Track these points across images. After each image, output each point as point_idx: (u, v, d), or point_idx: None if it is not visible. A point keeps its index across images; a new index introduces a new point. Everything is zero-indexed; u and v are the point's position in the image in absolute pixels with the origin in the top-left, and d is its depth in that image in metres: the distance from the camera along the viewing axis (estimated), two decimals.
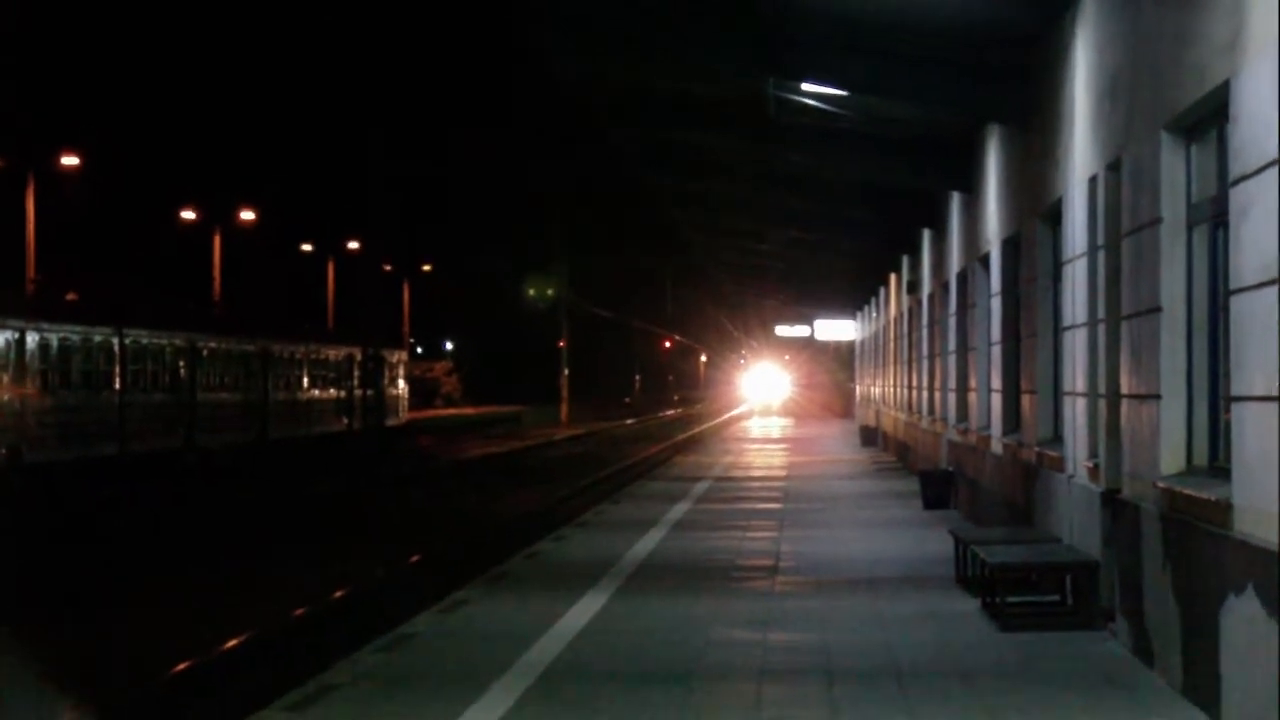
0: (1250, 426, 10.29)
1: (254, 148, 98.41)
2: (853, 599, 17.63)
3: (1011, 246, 21.69)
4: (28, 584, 24.62)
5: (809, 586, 18.78)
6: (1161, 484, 12.49)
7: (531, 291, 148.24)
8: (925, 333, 34.77)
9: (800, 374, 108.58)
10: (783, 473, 41.57)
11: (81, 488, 40.79)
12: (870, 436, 55.07)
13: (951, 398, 29.13)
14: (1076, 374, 16.42)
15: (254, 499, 39.59)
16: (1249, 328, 10.31)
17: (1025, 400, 20.13)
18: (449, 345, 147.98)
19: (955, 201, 28.10)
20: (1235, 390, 10.66)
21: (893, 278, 44.19)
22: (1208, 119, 11.81)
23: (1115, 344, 14.52)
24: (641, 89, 28.72)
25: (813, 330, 72.10)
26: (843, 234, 40.49)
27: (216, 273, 70.86)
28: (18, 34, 78.99)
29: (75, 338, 42.92)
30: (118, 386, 45.16)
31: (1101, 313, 15.15)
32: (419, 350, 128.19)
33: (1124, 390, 14.02)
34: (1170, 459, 12.59)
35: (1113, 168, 14.59)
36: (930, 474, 29.73)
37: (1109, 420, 14.77)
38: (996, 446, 22.62)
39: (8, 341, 39.30)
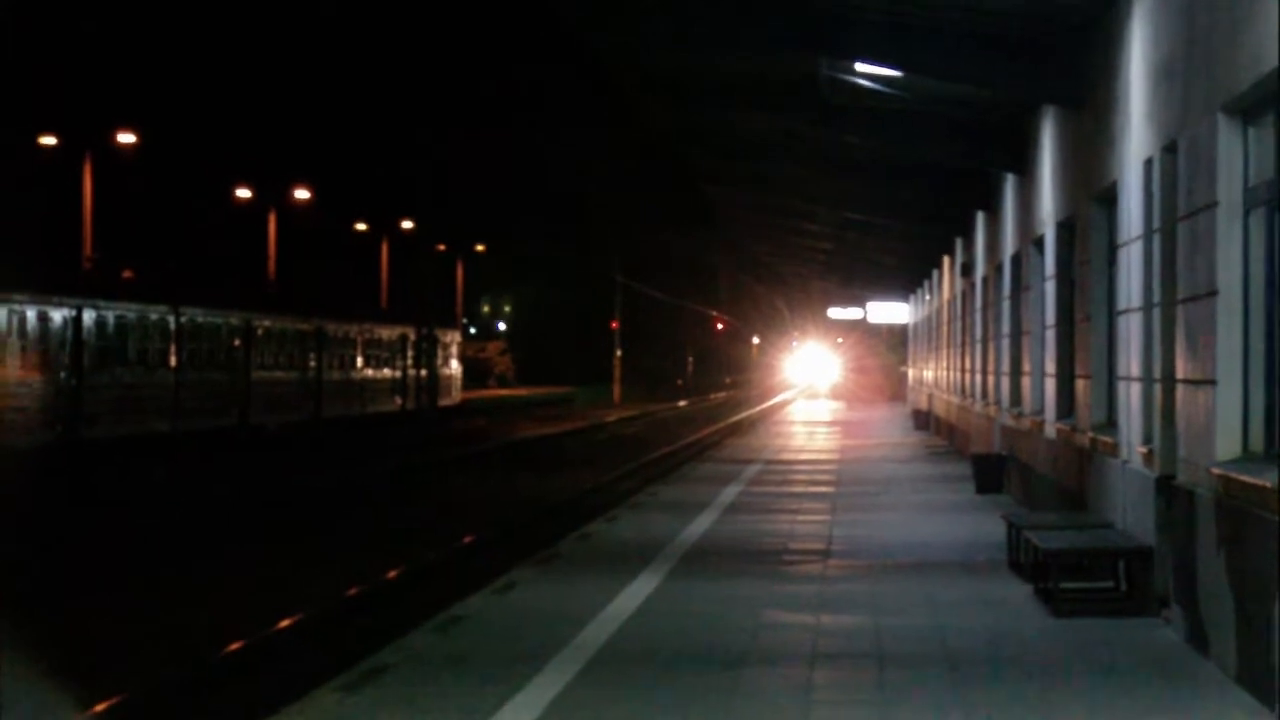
0: None
1: (309, 127, 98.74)
2: (905, 583, 17.59)
3: (1066, 229, 21.59)
4: (79, 561, 24.79)
5: (861, 570, 18.75)
6: (1217, 470, 12.42)
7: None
8: (979, 316, 34.64)
9: (850, 357, 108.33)
10: (834, 456, 41.51)
11: (136, 464, 41.05)
12: (922, 420, 54.93)
13: (1005, 381, 29.03)
14: (1131, 358, 16.33)
15: (308, 477, 39.76)
16: None
17: (1079, 385, 20.03)
18: (502, 326, 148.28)
19: (1009, 183, 27.97)
20: None
21: (946, 260, 44.04)
22: (1265, 101, 11.72)
23: (1171, 328, 14.43)
24: (693, 71, 28.68)
25: (865, 313, 71.92)
26: (896, 216, 40.38)
27: (271, 251, 71.16)
28: (75, 13, 79.43)
29: (131, 316, 43.20)
30: (173, 364, 45.42)
31: (1157, 297, 15.06)
32: (472, 330, 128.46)
33: (1179, 375, 13.94)
34: (1226, 444, 12.51)
35: (1169, 150, 14.50)
36: (983, 458, 29.63)
37: (1164, 405, 14.69)
38: (1050, 431, 22.53)
39: (65, 319, 39.57)
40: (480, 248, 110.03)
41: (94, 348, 40.87)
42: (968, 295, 37.49)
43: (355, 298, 76.22)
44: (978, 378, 34.95)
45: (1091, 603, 15.88)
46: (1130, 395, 16.35)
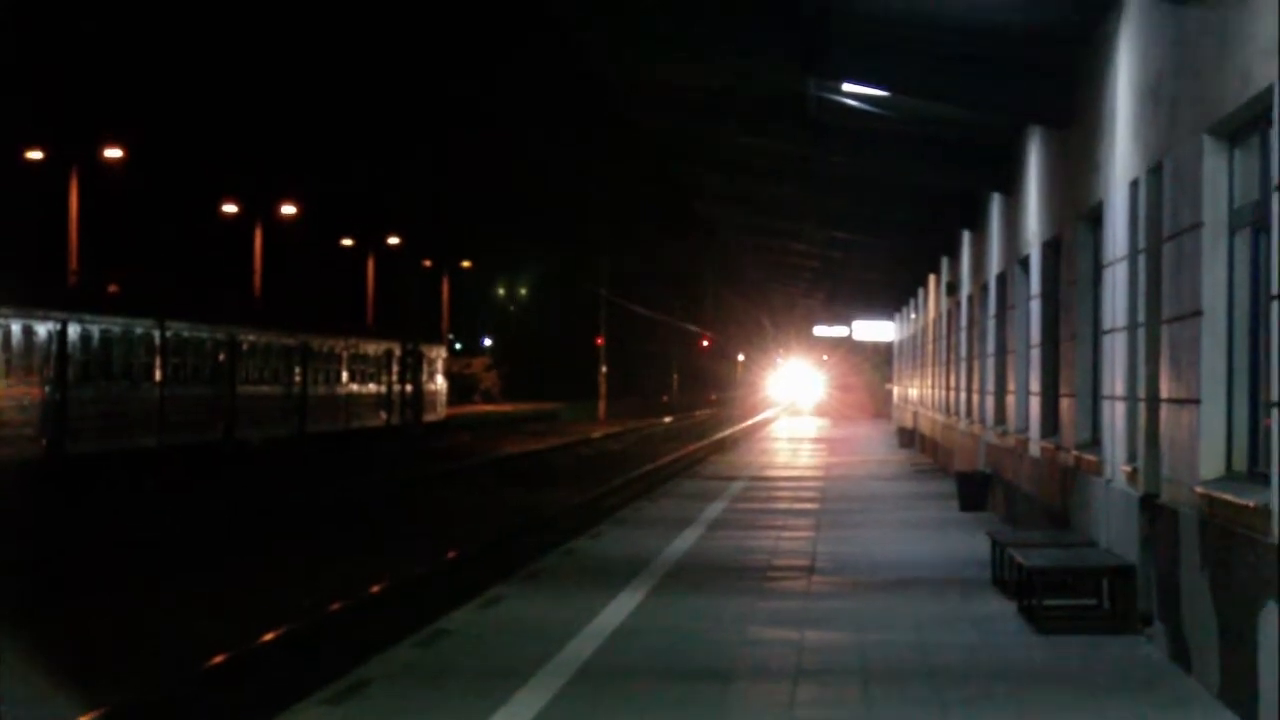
0: None
1: (295, 142, 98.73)
2: (889, 600, 17.62)
3: (1052, 249, 21.66)
4: (64, 575, 24.75)
5: (845, 587, 18.78)
6: (1200, 489, 12.47)
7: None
8: (964, 334, 34.71)
9: (835, 374, 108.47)
10: (819, 473, 41.55)
11: (122, 479, 40.99)
12: (907, 438, 54.99)
13: (990, 400, 29.08)
14: (1116, 378, 16.39)
15: (293, 492, 39.74)
16: None
17: (1064, 403, 20.09)
18: (488, 341, 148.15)
19: (995, 203, 28.06)
20: (1275, 396, 10.63)
21: (932, 279, 44.12)
22: (1251, 123, 11.79)
23: (1155, 348, 14.49)
24: (682, 87, 28.75)
25: (851, 331, 72.02)
26: (882, 234, 40.45)
27: (257, 266, 71.12)
28: (63, 27, 79.39)
29: (116, 330, 43.13)
30: (158, 379, 45.37)
31: (1142, 316, 15.12)
32: (458, 346, 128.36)
33: (1163, 394, 13.99)
34: (1209, 464, 12.56)
35: (1154, 171, 14.56)
36: (967, 476, 29.68)
37: (1148, 424, 14.75)
38: (1034, 449, 22.59)
39: (50, 333, 39.51)
40: (466, 264, 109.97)
41: (79, 362, 40.80)
42: (953, 314, 37.56)
43: (341, 313, 76.19)
44: (963, 396, 35.01)
45: (1075, 620, 15.93)
46: (1114, 414, 16.41)
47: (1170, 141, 13.81)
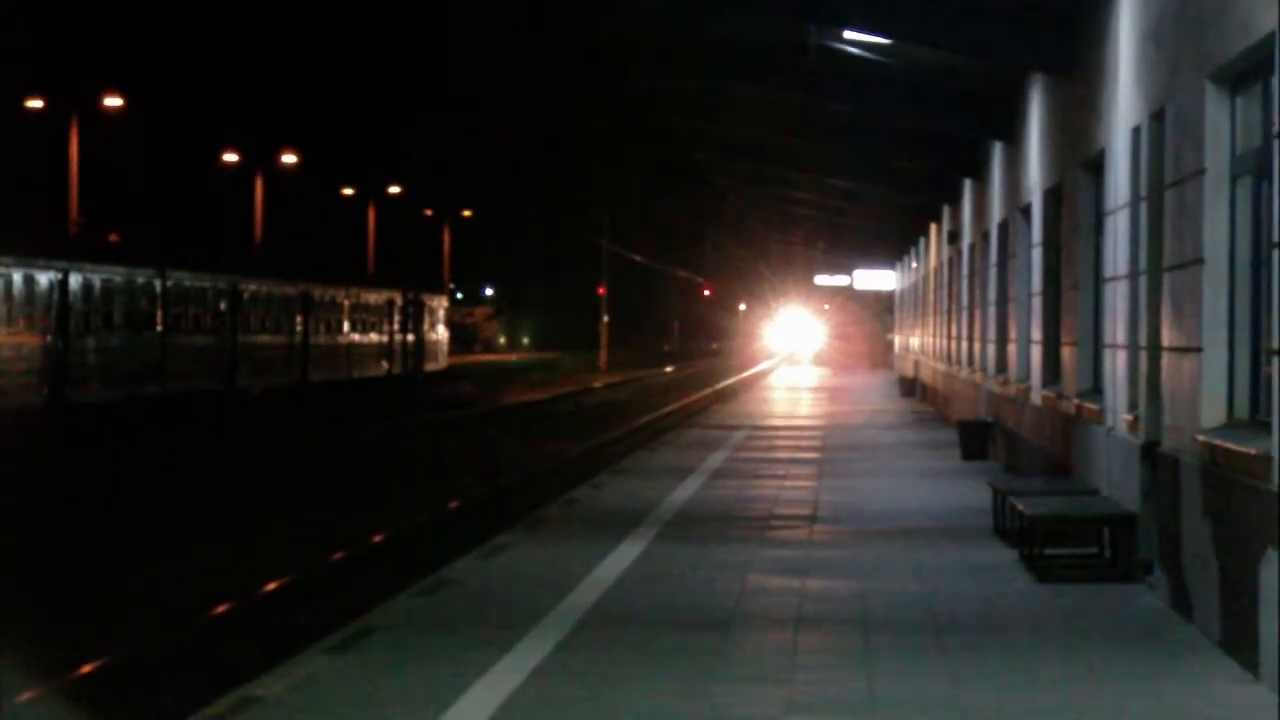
0: None
1: (296, 91, 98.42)
2: (890, 548, 17.66)
3: (1053, 197, 21.63)
4: (68, 520, 24.82)
5: (847, 535, 18.81)
6: (1201, 437, 12.48)
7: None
8: (965, 283, 34.69)
9: (835, 323, 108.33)
10: (821, 422, 41.57)
11: (122, 428, 41.03)
12: (909, 387, 55.00)
13: (991, 349, 29.09)
14: (1117, 326, 16.38)
15: (294, 441, 39.78)
16: None
17: (1065, 352, 20.09)
18: (489, 291, 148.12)
19: (997, 151, 27.99)
20: (1277, 343, 10.63)
21: (933, 228, 44.06)
22: (1253, 70, 11.75)
23: (1157, 296, 14.48)
24: (682, 36, 28.64)
25: (852, 280, 71.99)
26: (883, 183, 40.40)
27: (258, 216, 71.01)
28: None
29: (118, 279, 43.10)
30: (159, 328, 45.36)
31: (1143, 264, 15.10)
32: (459, 295, 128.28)
33: (1165, 343, 13.99)
34: (1210, 412, 12.57)
35: (1156, 118, 14.52)
36: (969, 425, 29.69)
37: (1149, 372, 14.74)
38: (1036, 398, 22.60)
39: (51, 282, 39.50)
40: (467, 213, 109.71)
41: (80, 311, 40.78)
42: (955, 262, 37.53)
43: (343, 262, 76.04)
44: (964, 345, 35.01)
45: (1076, 568, 15.96)
46: (1116, 362, 16.41)
47: (1172, 88, 13.77)
